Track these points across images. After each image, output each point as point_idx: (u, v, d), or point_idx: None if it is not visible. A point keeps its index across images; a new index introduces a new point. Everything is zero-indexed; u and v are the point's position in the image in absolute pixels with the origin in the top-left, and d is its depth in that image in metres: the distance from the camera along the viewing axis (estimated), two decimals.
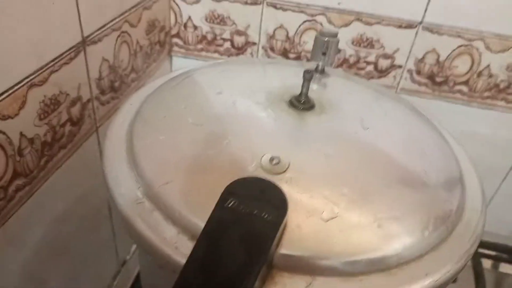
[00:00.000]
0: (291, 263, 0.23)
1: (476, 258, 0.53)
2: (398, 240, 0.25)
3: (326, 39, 0.35)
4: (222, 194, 0.24)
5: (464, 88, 0.59)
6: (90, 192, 0.49)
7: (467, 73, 0.58)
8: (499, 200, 0.68)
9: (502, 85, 0.58)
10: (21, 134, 0.35)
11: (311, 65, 0.38)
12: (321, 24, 0.57)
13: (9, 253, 0.38)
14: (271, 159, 0.27)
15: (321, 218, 0.25)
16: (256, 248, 0.21)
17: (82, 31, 0.40)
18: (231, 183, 0.24)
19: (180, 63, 0.65)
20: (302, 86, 0.31)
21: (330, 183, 0.27)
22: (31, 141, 0.37)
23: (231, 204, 0.23)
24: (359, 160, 0.29)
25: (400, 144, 0.32)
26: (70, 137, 0.43)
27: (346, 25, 0.57)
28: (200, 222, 0.24)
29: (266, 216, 0.23)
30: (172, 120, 0.31)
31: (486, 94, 0.59)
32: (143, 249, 0.25)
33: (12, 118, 0.34)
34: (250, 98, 0.33)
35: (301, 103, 0.32)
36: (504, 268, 0.58)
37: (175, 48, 0.64)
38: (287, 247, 0.23)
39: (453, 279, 0.26)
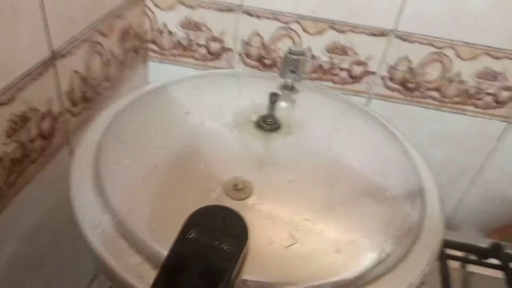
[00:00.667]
0: None
1: (442, 259, 0.55)
2: (357, 263, 0.26)
3: (295, 57, 0.36)
4: (184, 225, 0.24)
5: (435, 94, 0.61)
6: (64, 203, 0.49)
7: (438, 79, 0.59)
8: (469, 200, 0.70)
9: (471, 91, 0.60)
10: None
11: (281, 81, 0.38)
12: (295, 31, 0.58)
13: None
14: (235, 185, 0.28)
15: (283, 245, 0.25)
16: (214, 281, 0.22)
17: (50, 46, 0.40)
18: (193, 213, 0.25)
19: (156, 68, 0.65)
20: (269, 108, 0.32)
21: (292, 209, 0.28)
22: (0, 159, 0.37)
23: (192, 235, 0.24)
24: (322, 182, 0.30)
25: (363, 164, 0.33)
26: (41, 151, 0.42)
27: (320, 32, 0.57)
28: (164, 251, 0.25)
29: (225, 247, 0.23)
30: (139, 143, 0.31)
31: (456, 99, 0.61)
32: (107, 277, 0.26)
33: None
34: (217, 119, 0.33)
35: (268, 124, 0.32)
36: (471, 267, 0.60)
37: (151, 54, 0.64)
38: (250, 274, 0.24)
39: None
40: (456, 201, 0.70)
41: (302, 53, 0.36)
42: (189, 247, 0.23)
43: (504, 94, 0.60)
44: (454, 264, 0.59)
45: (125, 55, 0.57)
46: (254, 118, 0.33)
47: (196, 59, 0.63)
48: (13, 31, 0.35)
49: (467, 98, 0.61)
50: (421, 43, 0.56)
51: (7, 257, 0.41)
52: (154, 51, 0.63)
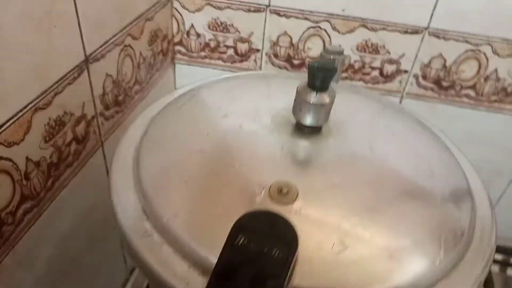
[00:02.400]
0: None
1: None
2: (410, 270, 0.25)
3: (331, 57, 0.35)
4: (232, 230, 0.23)
5: (471, 92, 0.59)
6: (97, 205, 0.50)
7: (474, 77, 0.57)
8: (506, 202, 0.67)
9: (509, 89, 0.57)
10: (27, 159, 0.35)
11: None
12: (325, 30, 0.57)
13: (20, 275, 0.38)
14: (280, 189, 0.27)
15: (332, 251, 0.25)
16: None
17: (84, 50, 0.40)
18: (240, 218, 0.24)
19: (184, 71, 0.65)
20: None
21: (339, 212, 0.27)
22: (37, 164, 0.37)
23: (241, 241, 0.23)
24: (368, 185, 0.29)
25: (408, 165, 0.31)
26: (76, 155, 0.42)
27: (351, 31, 0.56)
28: (210, 257, 0.24)
29: (277, 253, 0.22)
30: (178, 147, 0.31)
31: (493, 98, 0.59)
32: (153, 283, 0.25)
33: (17, 144, 0.34)
34: (256, 121, 0.33)
35: (308, 126, 0.31)
36: (510, 271, 0.58)
37: (178, 56, 0.64)
38: (299, 281, 0.23)
39: None
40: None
41: (339, 53, 0.35)
42: (239, 254, 0.22)
43: None
44: (494, 269, 0.57)
45: (154, 57, 0.57)
46: (293, 120, 0.32)
47: (224, 60, 0.62)
48: (48, 35, 0.35)
49: (504, 97, 0.58)
50: (456, 40, 0.55)
51: (44, 262, 0.41)
52: (181, 53, 0.63)
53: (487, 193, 0.33)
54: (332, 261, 0.24)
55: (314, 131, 0.32)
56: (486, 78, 0.57)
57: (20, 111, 0.33)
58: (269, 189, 0.27)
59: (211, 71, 0.64)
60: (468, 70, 0.57)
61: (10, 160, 0.33)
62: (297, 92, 0.30)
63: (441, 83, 0.59)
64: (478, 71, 0.57)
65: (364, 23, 0.55)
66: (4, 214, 0.33)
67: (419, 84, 0.60)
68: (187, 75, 0.65)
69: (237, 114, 0.33)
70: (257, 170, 0.29)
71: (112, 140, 0.49)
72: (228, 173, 0.28)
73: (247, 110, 0.34)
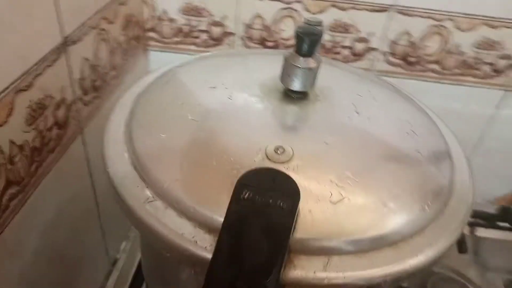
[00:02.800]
0: (307, 247, 0.24)
1: None
2: (402, 216, 0.27)
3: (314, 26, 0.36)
4: (236, 186, 0.24)
5: (436, 67, 0.62)
6: (79, 194, 0.49)
7: (438, 52, 0.61)
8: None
9: (470, 62, 0.61)
10: (11, 142, 0.34)
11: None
12: (297, 11, 0.58)
13: (8, 263, 0.37)
14: (276, 149, 0.28)
15: (330, 202, 0.26)
16: (278, 238, 0.22)
17: (63, 32, 0.39)
18: (243, 175, 0.25)
19: (157, 58, 0.64)
20: None
21: (333, 168, 0.28)
22: (21, 148, 0.36)
23: (246, 195, 0.24)
24: (357, 144, 0.30)
25: (391, 126, 0.33)
26: (57, 140, 0.42)
27: (322, 11, 0.58)
28: (215, 215, 0.25)
29: (281, 204, 0.23)
30: (170, 118, 0.31)
31: (456, 71, 0.62)
32: (160, 246, 0.25)
33: (1, 126, 0.33)
34: (244, 91, 0.33)
35: (295, 93, 0.33)
36: (481, 232, 0.62)
37: (151, 43, 0.63)
38: (302, 232, 0.24)
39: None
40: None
41: (318, 23, 0.36)
42: (246, 206, 0.23)
43: (501, 63, 0.61)
44: (464, 230, 0.60)
45: (128, 43, 0.56)
46: (280, 88, 0.33)
47: (197, 45, 0.63)
48: (28, 15, 0.34)
49: (466, 69, 0.62)
50: (421, 16, 0.57)
51: (31, 251, 0.40)
52: (154, 40, 0.63)
53: (464, 154, 0.35)
54: (331, 211, 0.26)
55: (302, 96, 0.33)
56: (449, 52, 0.60)
57: (3, 91, 0.32)
58: (266, 150, 0.28)
59: (185, 57, 0.63)
60: (433, 45, 0.60)
61: None
62: (285, 58, 0.31)
63: (408, 59, 0.62)
64: (442, 45, 0.60)
65: (334, 3, 0.57)
66: None
67: (388, 61, 0.62)
68: (160, 62, 0.64)
69: (225, 85, 0.34)
70: (252, 135, 0.30)
71: (92, 128, 0.48)
72: (223, 138, 0.29)
73: (234, 82, 0.35)
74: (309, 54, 0.30)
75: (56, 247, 0.45)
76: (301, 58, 0.30)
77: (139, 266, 0.60)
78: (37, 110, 0.37)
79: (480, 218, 0.62)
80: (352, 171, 0.28)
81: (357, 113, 0.33)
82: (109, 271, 0.62)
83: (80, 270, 0.53)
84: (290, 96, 0.33)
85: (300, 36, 0.29)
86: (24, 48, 0.34)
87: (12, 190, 0.35)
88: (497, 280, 0.54)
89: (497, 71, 0.62)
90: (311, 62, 0.30)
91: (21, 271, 0.39)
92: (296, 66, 0.30)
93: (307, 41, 0.29)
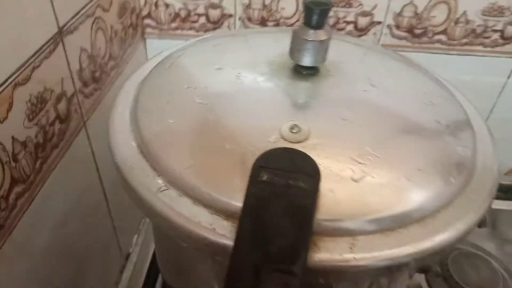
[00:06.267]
0: (331, 228, 0.23)
1: None
2: (427, 190, 0.26)
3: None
4: (253, 168, 0.23)
5: (443, 37, 0.60)
6: (87, 190, 0.48)
7: (444, 22, 0.59)
8: None
9: (478, 30, 0.59)
10: (13, 138, 0.33)
11: None
12: None
13: (18, 262, 0.36)
14: (291, 128, 0.26)
15: (352, 180, 0.25)
16: (301, 219, 0.21)
17: (57, 21, 0.38)
18: (259, 157, 0.24)
19: (155, 45, 0.63)
20: None
21: (352, 144, 0.27)
22: (24, 144, 0.35)
23: (264, 177, 0.22)
24: (375, 118, 0.29)
25: (408, 97, 0.32)
26: (61, 135, 0.40)
27: None
28: (233, 201, 0.23)
29: (302, 185, 0.22)
30: (177, 102, 0.30)
31: (464, 40, 0.60)
32: (177, 236, 0.24)
33: (1, 122, 0.32)
34: (252, 70, 0.32)
35: (306, 68, 0.31)
36: (496, 204, 0.61)
37: (148, 30, 0.61)
38: (324, 213, 0.23)
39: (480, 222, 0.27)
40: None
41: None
42: (265, 188, 0.22)
43: (510, 29, 0.59)
44: None
45: (125, 32, 0.54)
46: (290, 65, 0.32)
47: (196, 30, 0.61)
48: (21, 7, 0.33)
49: (475, 38, 0.60)
50: None
51: (41, 250, 0.39)
52: (151, 27, 0.61)
53: (485, 123, 0.34)
54: (353, 190, 0.24)
55: (313, 72, 0.31)
56: (456, 21, 0.58)
57: (0, 86, 0.31)
58: (280, 130, 0.26)
59: (185, 43, 0.62)
60: (439, 15, 0.58)
61: None
62: (294, 32, 0.29)
63: (414, 31, 0.60)
64: (448, 15, 0.58)
65: None
66: None
67: (393, 35, 0.60)
68: (159, 49, 0.62)
69: (231, 66, 0.32)
70: (265, 114, 0.28)
71: (94, 120, 0.47)
72: (235, 120, 0.28)
73: (240, 61, 0.33)
74: (319, 26, 0.28)
75: (67, 244, 0.45)
76: (311, 31, 0.29)
77: (153, 259, 0.59)
78: (38, 104, 0.36)
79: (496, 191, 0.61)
80: (372, 146, 0.26)
81: (373, 85, 0.31)
82: (123, 265, 0.61)
83: (93, 265, 0.52)
84: (301, 72, 0.31)
85: (309, 7, 0.28)
86: (19, 40, 0.33)
87: (18, 189, 0.34)
88: None
89: (507, 39, 0.60)
90: (321, 35, 0.29)
91: (33, 269, 0.38)
92: (306, 39, 0.29)
93: (317, 12, 0.28)
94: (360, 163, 0.25)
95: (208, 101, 0.29)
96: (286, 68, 0.32)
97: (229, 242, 0.22)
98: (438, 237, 0.24)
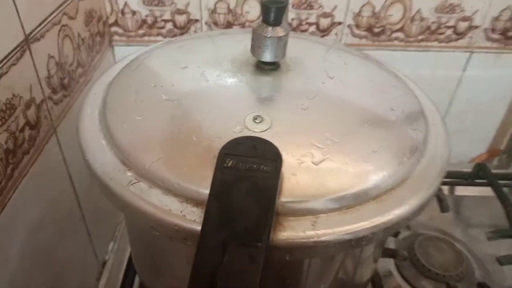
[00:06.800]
0: (294, 208, 0.25)
1: None
2: (382, 170, 0.27)
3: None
4: (219, 156, 0.24)
5: (401, 35, 0.63)
6: (60, 196, 0.48)
7: (401, 20, 0.62)
8: None
9: (433, 27, 0.63)
10: None
11: None
12: None
13: None
14: (255, 119, 0.28)
15: (313, 163, 0.26)
16: (265, 198, 0.22)
17: (23, 29, 0.38)
18: (224, 145, 0.25)
19: (123, 52, 0.63)
20: None
21: (312, 131, 0.28)
22: None
23: (230, 163, 0.24)
24: (333, 107, 0.31)
25: (364, 88, 0.34)
26: (31, 141, 0.41)
27: None
28: (201, 189, 0.25)
29: (265, 168, 0.24)
30: (144, 100, 0.31)
31: (420, 37, 0.64)
32: (149, 225, 0.25)
33: None
34: (216, 67, 0.33)
35: (267, 64, 0.33)
36: (459, 191, 0.64)
37: (116, 37, 0.62)
38: (288, 195, 0.25)
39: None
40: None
41: None
42: (230, 173, 0.23)
43: (462, 25, 0.63)
44: (444, 191, 0.62)
45: (92, 39, 0.55)
46: (252, 61, 0.34)
47: (163, 36, 0.62)
48: None
49: (430, 35, 0.64)
50: None
51: (17, 254, 0.39)
52: (119, 34, 0.62)
53: (438, 111, 0.36)
54: (314, 172, 0.26)
55: (274, 67, 0.33)
56: (412, 19, 0.62)
57: None
58: (244, 121, 0.28)
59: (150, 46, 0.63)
60: (395, 14, 0.61)
61: None
62: (254, 30, 0.31)
63: (373, 30, 0.63)
64: (404, 13, 0.61)
65: None
66: None
67: (354, 34, 0.63)
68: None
69: (196, 64, 0.34)
70: (229, 108, 0.30)
71: (64, 127, 0.47)
72: (201, 114, 0.29)
73: (205, 60, 0.35)
74: (276, 23, 0.30)
75: (43, 251, 0.45)
76: (270, 28, 0.30)
77: (128, 265, 0.59)
78: (7, 110, 0.36)
79: (458, 178, 0.64)
80: (331, 132, 0.28)
81: (330, 78, 0.33)
82: (100, 272, 0.61)
83: (70, 273, 0.52)
84: (262, 68, 0.33)
85: (265, 5, 0.29)
86: None
87: None
88: (480, 234, 0.56)
89: (459, 34, 0.64)
90: (279, 31, 0.31)
91: (8, 278, 0.38)
92: (265, 36, 0.30)
93: (274, 10, 0.30)
94: (319, 147, 0.27)
95: (174, 98, 0.30)
96: (249, 64, 0.33)
97: (199, 227, 0.23)
98: (393, 212, 0.26)
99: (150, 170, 0.26)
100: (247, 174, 0.23)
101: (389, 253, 0.50)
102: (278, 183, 0.23)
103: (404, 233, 0.54)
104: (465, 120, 0.73)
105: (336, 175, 0.26)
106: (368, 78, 0.36)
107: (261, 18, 0.30)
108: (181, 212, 0.25)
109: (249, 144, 0.25)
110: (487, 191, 0.60)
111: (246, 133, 0.27)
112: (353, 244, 0.25)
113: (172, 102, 0.30)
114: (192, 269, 0.19)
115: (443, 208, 0.55)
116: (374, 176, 0.27)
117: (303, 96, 0.31)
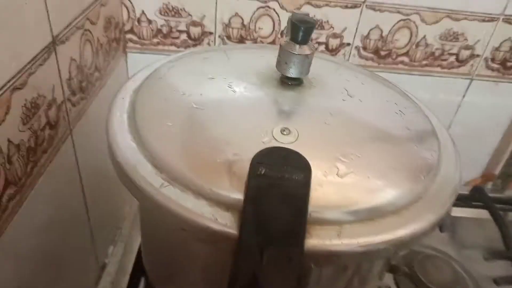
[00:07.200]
0: (320, 217, 0.26)
1: None
2: (403, 186, 0.29)
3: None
4: (251, 164, 0.26)
5: (405, 59, 0.66)
6: (69, 198, 0.48)
7: (407, 45, 0.64)
8: None
9: (437, 53, 0.65)
10: (9, 141, 0.34)
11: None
12: (274, 10, 0.60)
13: (7, 266, 0.36)
14: (282, 130, 0.29)
15: (337, 175, 0.28)
16: (297, 205, 0.23)
17: (51, 31, 0.39)
18: (256, 154, 0.26)
19: (136, 59, 0.65)
20: None
21: (336, 145, 0.30)
22: (18, 147, 0.36)
23: (262, 171, 0.25)
24: (353, 124, 0.33)
25: (381, 106, 0.36)
26: (50, 141, 0.41)
27: (297, 8, 0.60)
28: (231, 194, 0.26)
29: (296, 177, 0.25)
30: (175, 107, 0.32)
31: (424, 62, 0.66)
32: (180, 227, 0.26)
33: None
34: (243, 80, 0.35)
35: (291, 79, 0.34)
36: (455, 212, 0.66)
37: (130, 44, 0.63)
38: (314, 204, 0.26)
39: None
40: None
41: (307, 15, 0.38)
42: (264, 181, 0.25)
43: (464, 53, 0.66)
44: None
45: (109, 45, 0.56)
46: (276, 76, 0.35)
47: (177, 46, 0.63)
48: (20, 13, 0.34)
49: (433, 60, 0.66)
50: (390, 11, 0.61)
51: (29, 251, 0.40)
52: (133, 41, 0.63)
53: (448, 133, 0.38)
54: (339, 184, 0.27)
55: (298, 83, 0.35)
56: (417, 45, 0.64)
57: (0, 89, 0.32)
58: (272, 132, 0.29)
59: (171, 56, 0.64)
60: (402, 39, 0.64)
61: None
62: (281, 46, 0.33)
63: (380, 53, 0.65)
64: (410, 38, 0.64)
65: (309, 0, 0.59)
66: None
67: (360, 55, 0.65)
68: (140, 63, 0.64)
69: (223, 76, 0.35)
70: (257, 119, 0.31)
71: (79, 129, 0.48)
72: (231, 124, 0.30)
73: (231, 72, 0.36)
74: (304, 42, 0.32)
75: (47, 251, 0.45)
76: (297, 46, 0.32)
77: (132, 272, 0.59)
78: (31, 109, 0.37)
79: (456, 200, 0.66)
80: (353, 147, 0.30)
81: (350, 96, 0.35)
82: (99, 275, 0.61)
83: (70, 274, 0.52)
84: (287, 83, 0.34)
85: (295, 24, 0.31)
86: (18, 46, 0.34)
87: (10, 191, 0.35)
88: (476, 255, 0.58)
89: (461, 61, 0.66)
90: (306, 49, 0.32)
91: (16, 274, 0.39)
92: (293, 53, 0.32)
93: (303, 30, 0.31)
94: (343, 161, 0.29)
95: (204, 107, 0.32)
96: (273, 79, 0.35)
97: (231, 230, 0.25)
98: (412, 226, 0.28)
99: (183, 175, 0.27)
100: (280, 182, 0.25)
101: (390, 268, 0.51)
102: (309, 191, 0.25)
103: (403, 251, 0.56)
104: (461, 144, 0.76)
105: (360, 188, 0.28)
106: (384, 97, 0.37)
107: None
108: (213, 215, 0.26)
109: (280, 154, 0.27)
110: (484, 213, 0.62)
111: (274, 144, 0.29)
112: (374, 254, 0.26)
113: (202, 111, 0.31)
114: (231, 270, 0.20)
115: (442, 228, 0.57)
116: (394, 191, 0.28)
117: (326, 111, 0.33)
